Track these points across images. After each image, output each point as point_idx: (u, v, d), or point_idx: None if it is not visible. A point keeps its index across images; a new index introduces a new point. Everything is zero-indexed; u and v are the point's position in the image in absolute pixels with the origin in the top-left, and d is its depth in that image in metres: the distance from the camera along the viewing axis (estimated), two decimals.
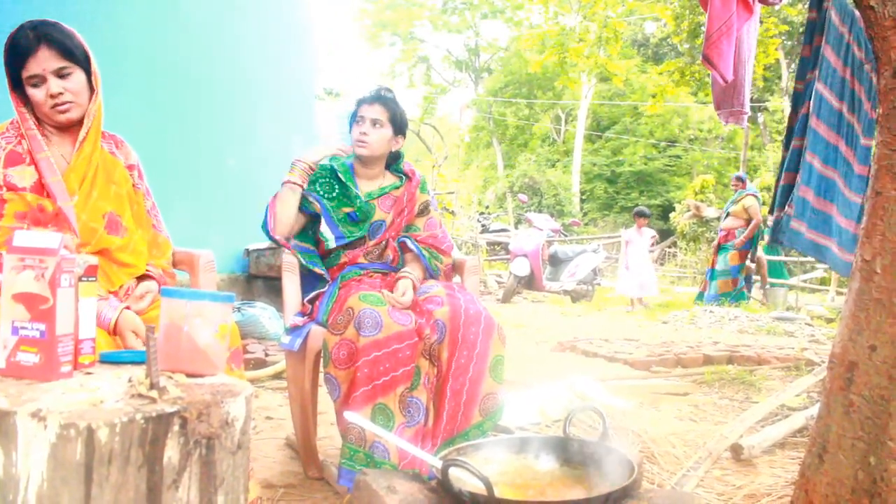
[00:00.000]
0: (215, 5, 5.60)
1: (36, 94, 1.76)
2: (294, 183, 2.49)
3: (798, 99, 3.26)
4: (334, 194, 2.52)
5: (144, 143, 3.31)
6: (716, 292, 9.04)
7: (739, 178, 9.40)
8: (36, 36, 1.72)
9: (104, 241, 1.88)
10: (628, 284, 9.69)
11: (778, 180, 3.35)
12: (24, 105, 1.82)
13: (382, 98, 2.53)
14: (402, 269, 2.48)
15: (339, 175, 2.52)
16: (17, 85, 1.79)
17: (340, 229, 2.50)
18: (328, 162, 2.57)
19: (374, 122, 2.51)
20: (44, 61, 1.73)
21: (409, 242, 2.57)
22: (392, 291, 2.34)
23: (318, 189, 2.52)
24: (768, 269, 11.49)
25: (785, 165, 3.24)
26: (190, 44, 5.32)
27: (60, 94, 1.77)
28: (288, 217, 2.47)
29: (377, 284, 2.44)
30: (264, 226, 2.50)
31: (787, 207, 3.13)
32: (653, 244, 10.28)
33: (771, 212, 3.33)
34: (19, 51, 1.72)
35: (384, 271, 2.55)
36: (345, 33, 54.60)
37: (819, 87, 3.10)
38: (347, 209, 2.51)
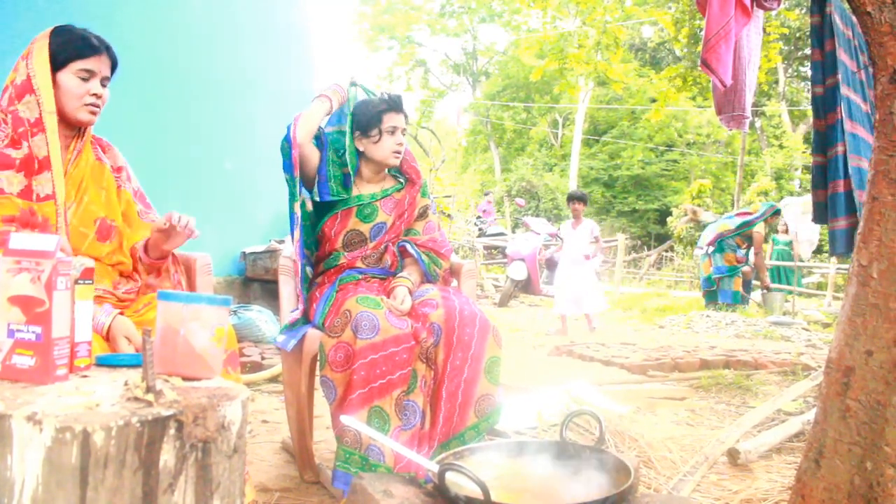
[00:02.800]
0: (214, 7, 5.60)
1: (79, 85, 1.83)
2: (326, 97, 2.47)
3: (819, 104, 3.21)
4: (340, 154, 2.52)
5: (141, 146, 3.32)
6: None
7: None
8: (100, 42, 1.86)
9: (94, 248, 1.87)
10: (561, 299, 7.09)
11: (813, 188, 3.28)
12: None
13: (402, 106, 2.54)
14: (399, 275, 2.47)
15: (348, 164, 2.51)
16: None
17: (330, 184, 2.47)
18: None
19: (404, 132, 2.52)
20: (102, 65, 1.86)
21: (409, 247, 2.55)
22: (389, 297, 2.34)
23: (332, 142, 2.53)
24: (778, 274, 11.48)
25: (832, 172, 3.14)
26: (188, 47, 5.32)
27: (101, 97, 1.86)
28: (309, 123, 2.43)
29: (374, 288, 2.44)
30: (286, 139, 2.42)
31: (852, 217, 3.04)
32: (594, 253, 7.25)
33: (822, 221, 3.24)
34: (85, 45, 1.83)
35: (382, 276, 2.54)
36: (343, 37, 54.70)
37: (845, 90, 3.07)
38: (346, 169, 2.51)
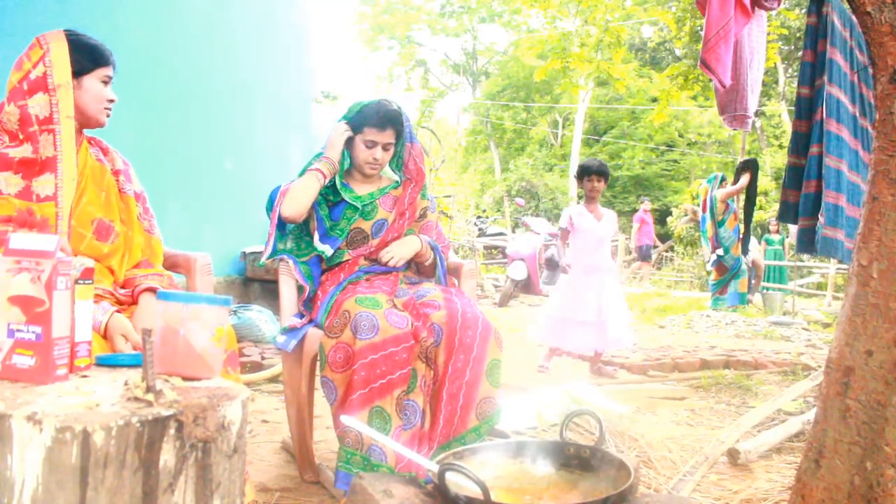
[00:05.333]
0: (213, 8, 5.60)
1: (103, 90, 1.90)
2: (321, 172, 2.44)
3: (804, 105, 3.20)
4: (328, 199, 2.52)
5: (142, 146, 3.32)
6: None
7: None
8: (108, 51, 1.94)
9: (92, 248, 1.87)
10: (580, 328, 4.65)
11: (784, 187, 3.29)
12: None
13: (394, 121, 2.49)
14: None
15: (336, 185, 2.51)
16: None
17: (334, 233, 2.49)
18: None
19: (386, 147, 2.50)
20: (111, 71, 1.93)
21: (423, 238, 2.58)
22: (394, 293, 2.35)
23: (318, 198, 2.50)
24: (769, 273, 11.48)
25: (807, 173, 3.14)
26: (188, 47, 5.32)
27: (114, 101, 1.94)
28: (301, 200, 2.40)
29: (379, 286, 2.43)
30: (269, 207, 2.44)
31: (819, 216, 3.04)
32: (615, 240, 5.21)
33: (794, 221, 3.25)
34: (104, 52, 1.91)
35: (386, 273, 2.53)
36: (343, 37, 54.66)
37: (834, 91, 3.06)
38: (332, 204, 2.51)
